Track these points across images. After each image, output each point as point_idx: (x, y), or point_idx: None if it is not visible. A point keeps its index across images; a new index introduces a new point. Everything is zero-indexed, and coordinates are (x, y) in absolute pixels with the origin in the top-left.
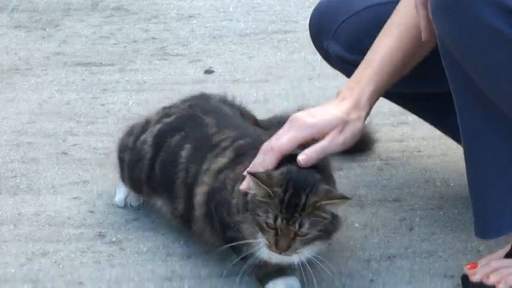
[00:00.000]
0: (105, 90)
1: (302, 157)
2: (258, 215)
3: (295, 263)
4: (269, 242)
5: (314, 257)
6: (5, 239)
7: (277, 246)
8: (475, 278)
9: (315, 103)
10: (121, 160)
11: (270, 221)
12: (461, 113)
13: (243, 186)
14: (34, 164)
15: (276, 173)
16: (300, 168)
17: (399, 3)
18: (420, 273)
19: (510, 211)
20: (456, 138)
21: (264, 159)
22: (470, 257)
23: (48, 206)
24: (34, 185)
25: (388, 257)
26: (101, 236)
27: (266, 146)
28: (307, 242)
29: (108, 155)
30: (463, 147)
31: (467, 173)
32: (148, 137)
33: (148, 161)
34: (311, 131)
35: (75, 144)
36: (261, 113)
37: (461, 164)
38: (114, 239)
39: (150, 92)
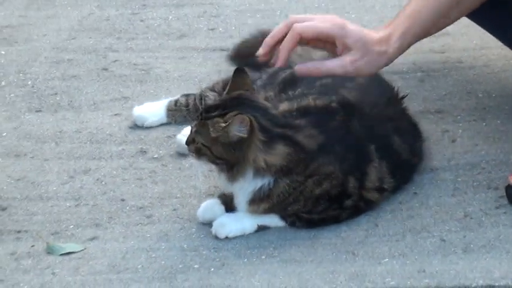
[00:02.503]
0: (144, 5)
1: (299, 67)
2: None
3: None
4: None
5: None
6: (47, 157)
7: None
8: None
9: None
10: None
11: None
12: None
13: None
14: (75, 80)
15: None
16: None
17: None
18: (464, 185)
19: None
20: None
21: (280, 30)
22: None
23: (89, 123)
24: (75, 102)
25: (431, 169)
26: (143, 152)
27: (292, 19)
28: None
29: (148, 71)
30: None
31: None
32: None
33: None
34: (336, 33)
35: (116, 61)
36: None
37: (503, 75)
38: (156, 155)
39: (190, 7)
